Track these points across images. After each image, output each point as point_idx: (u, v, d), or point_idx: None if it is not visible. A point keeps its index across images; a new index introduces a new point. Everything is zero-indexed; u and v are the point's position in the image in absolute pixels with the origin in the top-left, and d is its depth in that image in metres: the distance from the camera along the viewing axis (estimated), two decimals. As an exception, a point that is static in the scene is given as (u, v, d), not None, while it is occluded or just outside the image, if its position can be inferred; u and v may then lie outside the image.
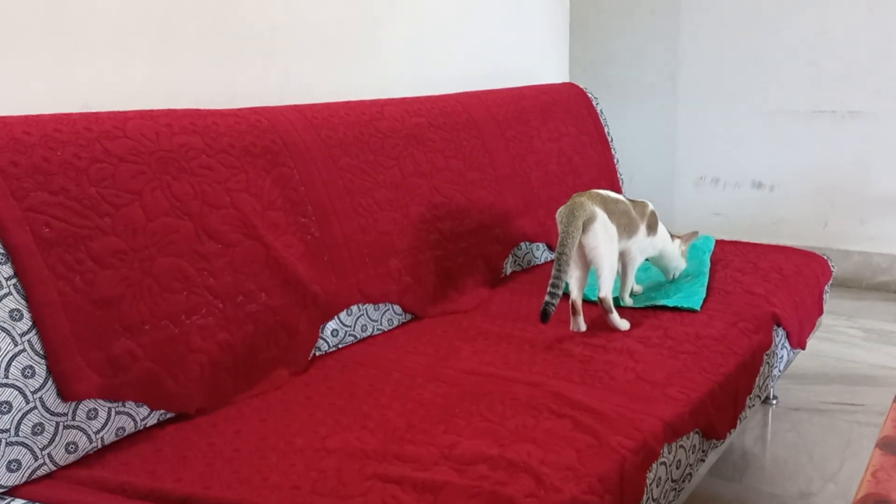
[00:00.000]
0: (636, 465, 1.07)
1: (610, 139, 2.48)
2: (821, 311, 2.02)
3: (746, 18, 3.41)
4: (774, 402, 2.26)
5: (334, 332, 1.48)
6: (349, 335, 1.51)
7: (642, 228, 1.73)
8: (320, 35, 1.79)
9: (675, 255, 1.84)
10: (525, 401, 1.20)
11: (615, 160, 2.47)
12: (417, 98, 1.87)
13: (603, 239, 1.56)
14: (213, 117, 1.40)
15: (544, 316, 1.45)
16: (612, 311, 1.59)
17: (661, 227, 1.81)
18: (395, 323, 1.61)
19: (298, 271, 1.39)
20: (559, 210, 1.57)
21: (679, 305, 1.67)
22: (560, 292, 1.47)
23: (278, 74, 1.70)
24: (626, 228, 1.64)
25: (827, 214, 3.39)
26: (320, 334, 1.45)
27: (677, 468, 1.21)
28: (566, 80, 2.75)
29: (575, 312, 1.57)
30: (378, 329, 1.57)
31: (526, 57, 2.54)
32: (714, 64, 3.52)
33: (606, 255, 1.57)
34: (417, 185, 1.71)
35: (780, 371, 1.74)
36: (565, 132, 2.26)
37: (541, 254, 2.10)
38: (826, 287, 2.08)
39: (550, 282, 1.48)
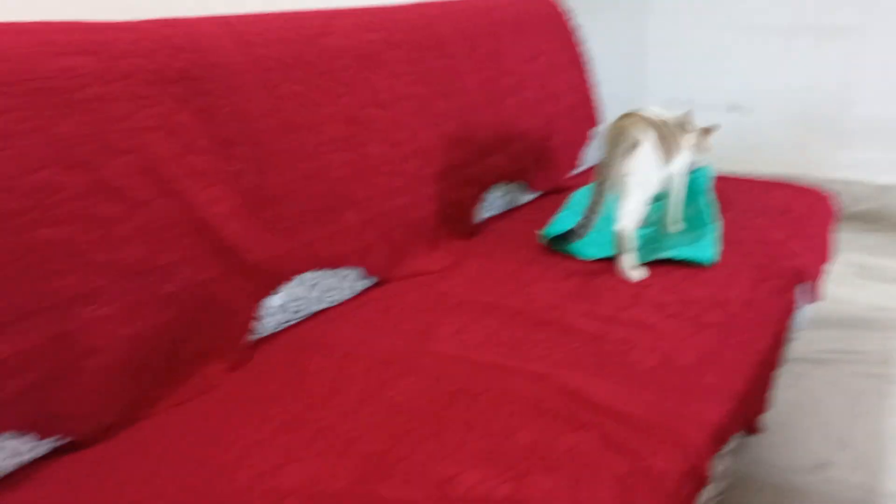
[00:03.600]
0: (686, 497, 0.84)
1: (585, 56, 2.19)
2: (826, 258, 1.82)
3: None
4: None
5: (283, 308, 1.19)
6: (300, 310, 1.23)
7: (684, 148, 1.55)
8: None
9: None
10: (532, 402, 0.95)
11: (592, 83, 2.19)
12: (371, 8, 1.54)
13: (645, 167, 1.40)
14: (111, 32, 1.07)
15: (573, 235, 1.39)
16: (626, 251, 1.37)
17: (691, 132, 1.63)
18: (357, 290, 1.33)
19: (230, 233, 1.10)
20: (605, 127, 1.44)
21: (690, 258, 1.43)
22: (593, 222, 1.36)
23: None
24: (672, 153, 1.48)
25: (805, 140, 3.20)
26: (263, 311, 1.16)
27: (716, 482, 0.99)
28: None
29: (623, 249, 1.38)
30: (335, 300, 1.29)
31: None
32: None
33: (642, 185, 1.40)
34: (375, 119, 1.40)
35: (799, 331, 1.53)
36: (540, 51, 1.96)
37: (517, 197, 1.83)
38: (832, 228, 1.88)
39: (585, 210, 1.36)
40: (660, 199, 1.60)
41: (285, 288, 1.20)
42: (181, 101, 1.08)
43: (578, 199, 1.74)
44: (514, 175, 1.78)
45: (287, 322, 1.21)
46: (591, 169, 2.16)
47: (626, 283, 1.35)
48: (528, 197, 1.85)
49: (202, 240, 1.06)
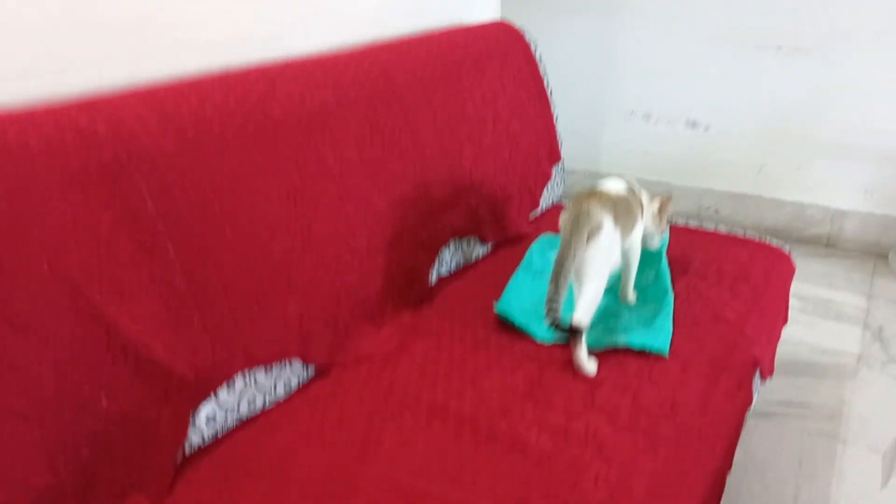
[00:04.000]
0: None
1: (549, 91, 2.10)
2: (786, 320, 1.79)
3: (696, -67, 3.02)
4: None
5: (209, 420, 1.10)
6: (232, 417, 1.14)
7: (639, 219, 1.50)
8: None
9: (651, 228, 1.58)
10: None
11: (555, 118, 2.11)
12: (321, 60, 1.43)
13: (603, 254, 1.34)
14: (16, 126, 0.95)
15: (558, 328, 1.29)
16: (581, 344, 1.31)
17: (643, 201, 1.56)
18: (294, 385, 1.24)
19: (156, 350, 1.00)
20: (562, 214, 1.36)
21: (645, 347, 1.37)
22: (558, 309, 1.26)
23: (128, 33, 1.21)
24: (629, 228, 1.43)
25: (763, 160, 3.17)
26: (191, 424, 1.07)
27: None
28: (497, 7, 2.32)
29: (576, 342, 1.30)
30: (270, 400, 1.20)
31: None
32: (654, -16, 3.15)
33: (599, 274, 1.35)
34: (323, 192, 1.30)
35: (748, 412, 1.50)
36: (502, 91, 1.87)
37: (472, 251, 1.75)
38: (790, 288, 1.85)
39: (546, 302, 1.26)
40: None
41: (214, 397, 1.10)
42: (102, 204, 0.97)
43: (534, 257, 1.67)
44: (468, 230, 1.70)
45: (217, 433, 1.12)
46: (553, 208, 2.09)
47: (579, 377, 1.29)
48: (482, 250, 1.77)
49: (124, 363, 0.96)
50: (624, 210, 1.41)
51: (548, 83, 2.10)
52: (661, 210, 1.56)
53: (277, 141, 1.23)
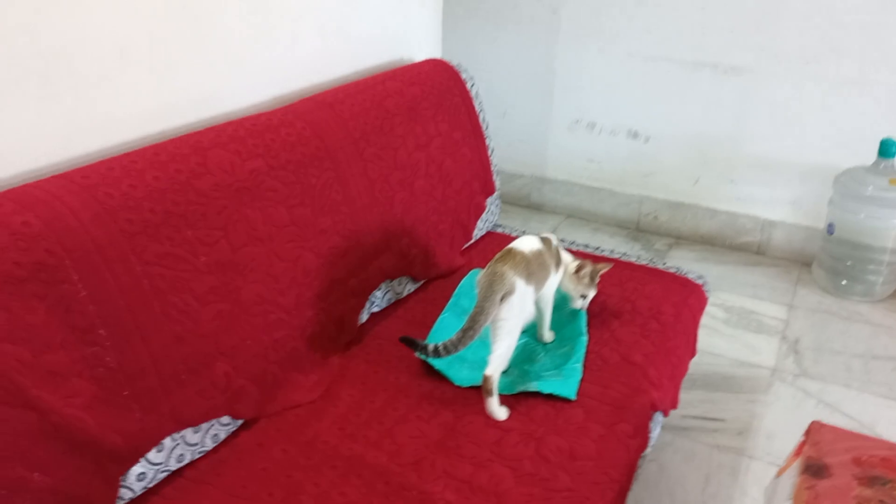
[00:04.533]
0: None
1: (485, 126, 2.19)
2: (693, 353, 1.91)
3: (636, -46, 3.10)
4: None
5: (140, 477, 1.19)
6: (161, 472, 1.23)
7: (552, 269, 1.61)
8: (121, 47, 1.35)
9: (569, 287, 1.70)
10: None
11: (489, 152, 2.20)
12: (253, 124, 1.50)
13: (515, 312, 1.44)
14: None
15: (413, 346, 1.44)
16: (492, 395, 1.42)
17: (562, 256, 1.68)
18: (222, 436, 1.34)
19: (88, 425, 1.08)
20: (479, 275, 1.45)
21: (554, 393, 1.49)
22: (447, 355, 1.39)
23: (60, 108, 1.27)
24: (542, 280, 1.55)
25: (699, 171, 3.29)
26: (122, 483, 1.17)
27: None
28: (439, 39, 2.39)
29: (488, 392, 1.42)
30: (200, 451, 1.30)
31: (384, 15, 2.14)
32: (598, 1, 3.23)
33: (512, 332, 1.45)
34: (252, 257, 1.39)
35: (650, 449, 1.62)
36: (435, 133, 1.95)
37: (403, 287, 1.85)
38: (699, 321, 1.97)
39: (444, 344, 1.37)
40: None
41: (143, 459, 1.20)
42: (35, 298, 1.05)
43: (461, 297, 1.77)
44: (399, 271, 1.79)
45: (147, 485, 1.21)
46: (487, 236, 2.18)
47: (490, 423, 1.40)
48: (413, 287, 1.87)
49: (56, 444, 1.04)
50: (537, 266, 1.51)
51: (483, 118, 2.18)
52: (578, 272, 1.66)
53: (207, 213, 1.31)
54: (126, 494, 1.18)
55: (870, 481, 1.23)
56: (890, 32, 2.76)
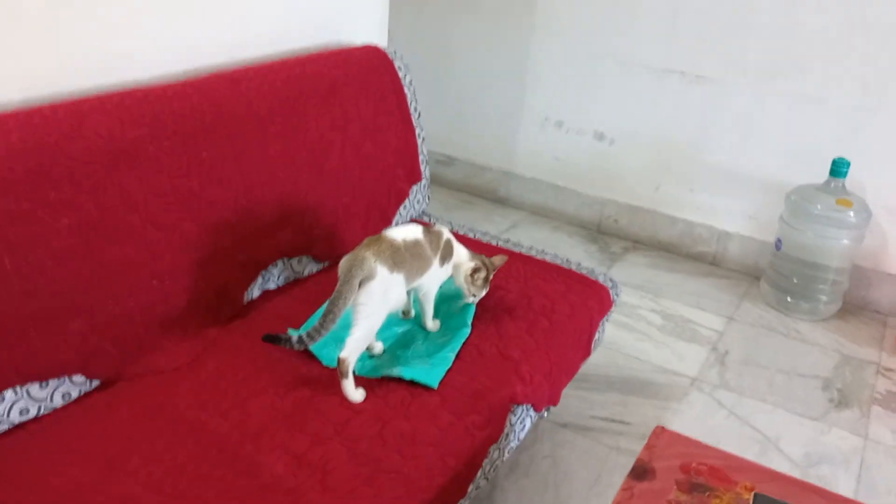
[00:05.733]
0: None
1: (416, 114, 2.19)
2: (588, 353, 1.91)
3: (611, -43, 3.07)
4: (545, 412, 2.19)
5: (-24, 427, 1.23)
6: (1, 423, 1.26)
7: (435, 262, 1.60)
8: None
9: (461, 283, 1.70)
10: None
11: (419, 140, 2.20)
12: (144, 97, 1.51)
13: (376, 299, 1.45)
14: None
15: (277, 341, 1.43)
16: (347, 377, 1.43)
17: (456, 252, 1.68)
18: (74, 395, 1.37)
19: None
20: (344, 257, 1.45)
21: (416, 380, 1.50)
22: (315, 339, 1.40)
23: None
24: (417, 270, 1.55)
25: (660, 178, 3.27)
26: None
27: None
28: (385, 26, 2.39)
29: (343, 374, 1.42)
30: (46, 408, 1.33)
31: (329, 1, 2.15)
32: (574, 1, 3.20)
33: (370, 317, 1.45)
34: (122, 222, 1.41)
35: (518, 440, 1.63)
36: (356, 117, 1.96)
37: (303, 267, 1.86)
38: (603, 321, 1.96)
39: (308, 333, 1.38)
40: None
41: (-17, 407, 1.22)
42: None
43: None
44: (300, 249, 1.81)
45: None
46: (410, 223, 2.19)
47: (345, 405, 1.41)
48: (316, 267, 1.88)
49: None
50: (411, 255, 1.51)
51: (415, 107, 2.18)
52: (473, 275, 1.66)
53: (74, 177, 1.33)
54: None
55: (690, 487, 1.23)
56: (851, 51, 2.72)
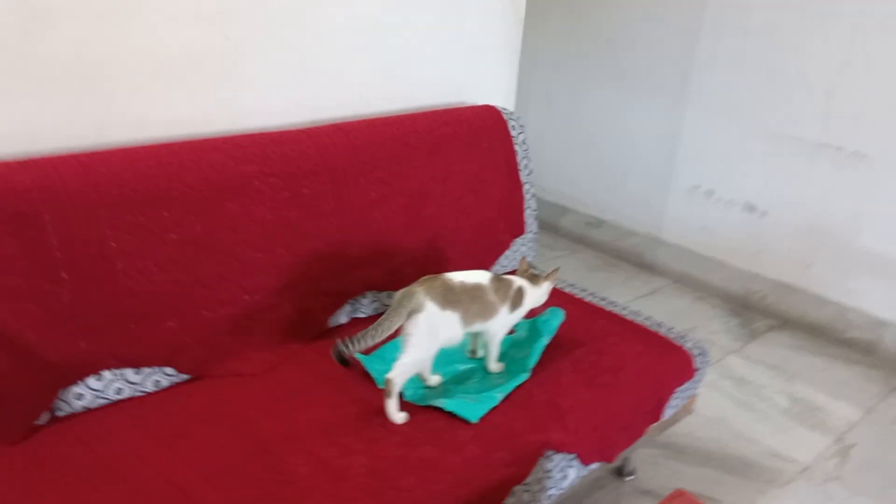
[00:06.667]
0: None
1: (526, 171, 2.29)
2: (656, 419, 1.86)
3: (769, 31, 3.00)
4: (630, 477, 2.14)
5: (78, 396, 1.48)
6: (99, 398, 1.51)
7: (502, 308, 1.69)
8: (157, 62, 1.68)
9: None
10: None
11: (526, 195, 2.29)
12: (259, 140, 1.76)
13: (423, 330, 1.55)
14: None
15: (339, 359, 1.51)
16: (391, 397, 1.55)
17: (531, 294, 1.77)
18: (164, 384, 1.59)
19: (27, 338, 1.38)
20: (400, 290, 1.58)
21: (456, 413, 1.57)
22: (350, 349, 1.49)
23: (97, 106, 1.62)
24: (479, 314, 1.64)
25: (813, 256, 3.07)
26: (60, 397, 1.46)
27: None
28: (513, 89, 2.52)
29: (387, 394, 1.54)
30: (139, 391, 1.56)
31: (456, 65, 2.33)
32: (728, 72, 3.15)
33: (418, 346, 1.56)
34: (222, 243, 1.64)
35: (561, 489, 1.63)
36: (459, 170, 2.10)
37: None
38: (680, 388, 1.91)
39: (350, 338, 1.49)
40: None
41: (83, 382, 1.48)
42: (10, 235, 1.37)
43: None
44: (389, 285, 1.95)
45: (85, 407, 1.49)
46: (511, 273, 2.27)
47: (387, 425, 1.52)
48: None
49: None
50: (468, 297, 1.61)
51: (526, 164, 2.28)
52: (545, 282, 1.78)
53: (186, 201, 1.58)
54: (64, 407, 1.47)
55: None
56: None
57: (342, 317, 1.90)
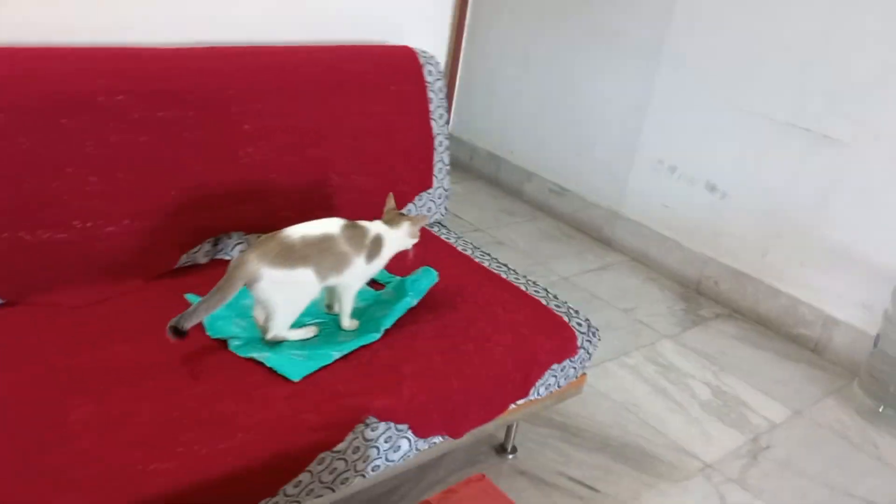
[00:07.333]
0: None
1: (442, 121, 2.11)
2: (523, 395, 1.70)
3: (749, 4, 2.76)
4: (511, 456, 1.99)
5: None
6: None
7: (357, 260, 1.54)
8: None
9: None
10: None
11: (439, 147, 2.11)
12: (112, 54, 1.60)
13: (274, 290, 1.45)
14: None
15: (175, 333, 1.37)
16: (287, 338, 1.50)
17: (391, 239, 1.61)
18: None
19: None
20: (235, 257, 1.50)
21: (277, 370, 1.43)
22: (191, 323, 1.37)
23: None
24: (332, 267, 1.51)
25: (771, 244, 2.86)
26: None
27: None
28: (445, 33, 2.33)
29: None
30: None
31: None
32: (706, 37, 2.92)
33: (281, 303, 1.47)
34: (51, 160, 1.49)
35: (391, 462, 1.48)
36: (359, 111, 1.93)
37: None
38: (558, 366, 1.74)
39: (187, 312, 1.37)
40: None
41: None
42: None
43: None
44: (262, 228, 1.80)
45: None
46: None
47: (196, 374, 1.39)
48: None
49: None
50: (318, 250, 1.48)
51: (442, 114, 2.11)
52: (413, 227, 1.63)
53: (14, 111, 1.45)
54: None
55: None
56: None
57: (201, 256, 1.75)
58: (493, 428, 1.85)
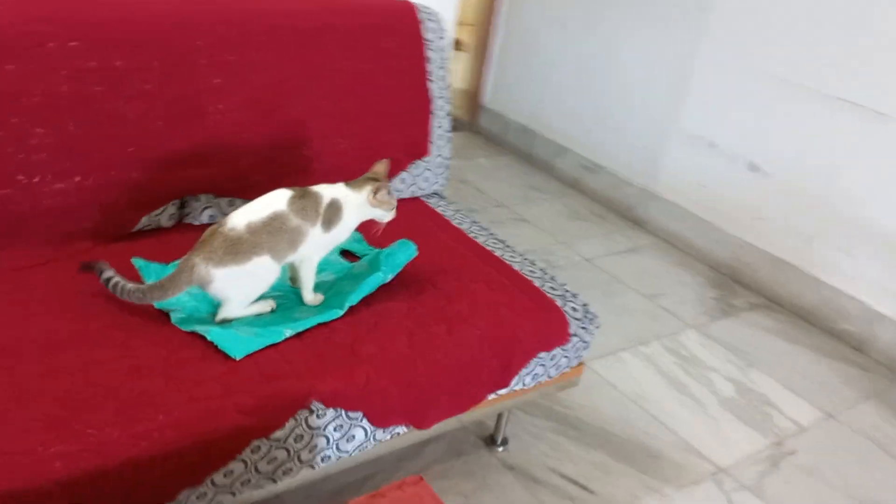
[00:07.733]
0: None
1: (443, 83, 1.93)
2: (503, 385, 1.52)
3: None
4: (500, 449, 1.83)
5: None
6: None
7: (313, 230, 1.40)
8: None
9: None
10: None
11: (438, 112, 1.93)
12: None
13: (230, 286, 1.34)
14: None
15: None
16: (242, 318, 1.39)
17: (350, 206, 1.44)
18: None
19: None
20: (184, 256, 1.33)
21: (218, 345, 1.29)
22: (125, 296, 1.29)
23: None
24: (288, 245, 1.37)
25: (814, 230, 2.60)
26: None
27: None
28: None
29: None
30: None
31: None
32: (752, 8, 2.65)
33: (234, 296, 1.36)
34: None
35: (344, 453, 1.34)
36: (342, 68, 1.76)
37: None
38: (546, 354, 1.56)
39: (127, 287, 1.29)
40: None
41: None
42: None
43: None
44: (231, 190, 1.67)
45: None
46: (410, 200, 1.94)
47: (127, 346, 1.26)
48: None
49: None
50: (268, 232, 1.34)
51: (443, 76, 1.92)
52: (376, 194, 1.44)
53: None
54: None
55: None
56: None
57: (165, 219, 1.62)
58: (481, 417, 1.70)
